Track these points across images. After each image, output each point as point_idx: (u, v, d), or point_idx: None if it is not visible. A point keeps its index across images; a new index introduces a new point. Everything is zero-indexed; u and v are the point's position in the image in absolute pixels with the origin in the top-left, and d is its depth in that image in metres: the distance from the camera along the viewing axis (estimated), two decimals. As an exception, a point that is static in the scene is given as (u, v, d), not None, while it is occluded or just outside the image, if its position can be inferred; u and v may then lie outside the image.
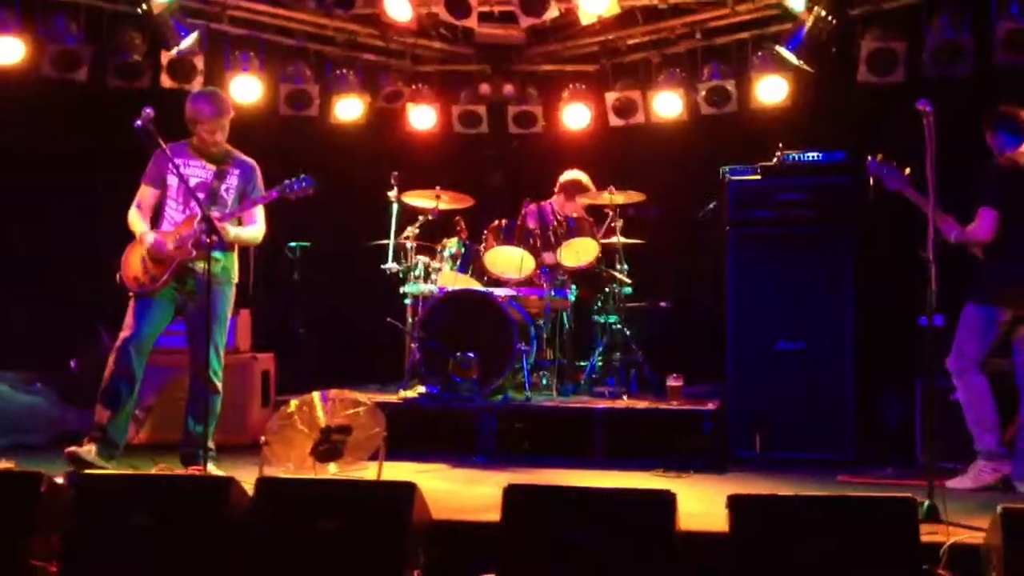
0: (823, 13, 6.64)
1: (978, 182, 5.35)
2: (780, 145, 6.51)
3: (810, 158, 6.41)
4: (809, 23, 6.71)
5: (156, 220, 5.45)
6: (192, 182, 5.32)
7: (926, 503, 4.25)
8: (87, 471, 4.81)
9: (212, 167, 5.47)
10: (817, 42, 6.81)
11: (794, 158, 6.43)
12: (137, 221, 5.39)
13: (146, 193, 5.46)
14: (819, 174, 6.35)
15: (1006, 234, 5.25)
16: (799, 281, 6.24)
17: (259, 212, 5.52)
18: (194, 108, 5.42)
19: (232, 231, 5.33)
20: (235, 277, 5.55)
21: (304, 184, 5.39)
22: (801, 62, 6.89)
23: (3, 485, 4.35)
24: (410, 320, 7.12)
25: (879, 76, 6.80)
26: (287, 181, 5.40)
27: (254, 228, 5.52)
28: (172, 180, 5.37)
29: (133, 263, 5.35)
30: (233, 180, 5.49)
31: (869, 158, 5.27)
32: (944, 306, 4.82)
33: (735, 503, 3.82)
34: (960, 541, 3.93)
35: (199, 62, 7.28)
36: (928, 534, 3.98)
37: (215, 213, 5.20)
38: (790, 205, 6.32)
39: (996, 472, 5.28)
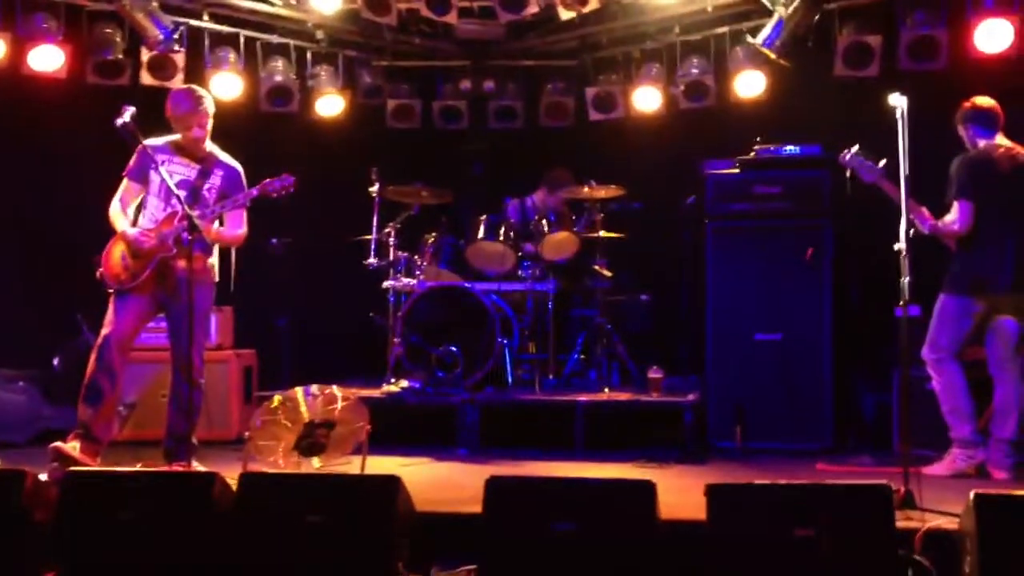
0: (799, 8, 6.69)
1: (953, 175, 5.42)
2: (758, 139, 6.57)
3: (787, 152, 6.49)
4: (785, 18, 6.76)
5: (137, 216, 5.46)
6: (174, 179, 5.31)
7: (902, 490, 4.31)
8: (72, 468, 4.81)
9: (196, 166, 5.47)
10: (794, 36, 6.87)
11: (771, 152, 6.50)
12: (119, 217, 5.39)
13: (128, 188, 5.46)
14: (796, 167, 6.43)
15: (979, 225, 5.33)
16: (777, 273, 6.32)
17: (241, 213, 5.53)
18: (171, 105, 5.44)
19: (213, 231, 5.34)
20: (216, 275, 5.56)
21: (285, 183, 5.41)
22: (778, 56, 6.94)
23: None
24: (392, 315, 7.15)
25: (855, 70, 6.86)
26: (267, 180, 5.41)
27: (236, 229, 5.52)
28: (154, 177, 5.36)
29: (113, 259, 5.35)
30: (216, 180, 5.50)
31: (845, 151, 5.34)
32: (919, 297, 4.89)
33: (713, 492, 3.88)
34: (935, 527, 3.99)
35: (179, 59, 7.28)
36: (904, 520, 4.05)
37: (196, 212, 5.21)
38: (767, 198, 6.40)
39: (971, 460, 5.36)
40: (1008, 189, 5.37)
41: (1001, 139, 5.49)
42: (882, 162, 5.24)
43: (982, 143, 5.48)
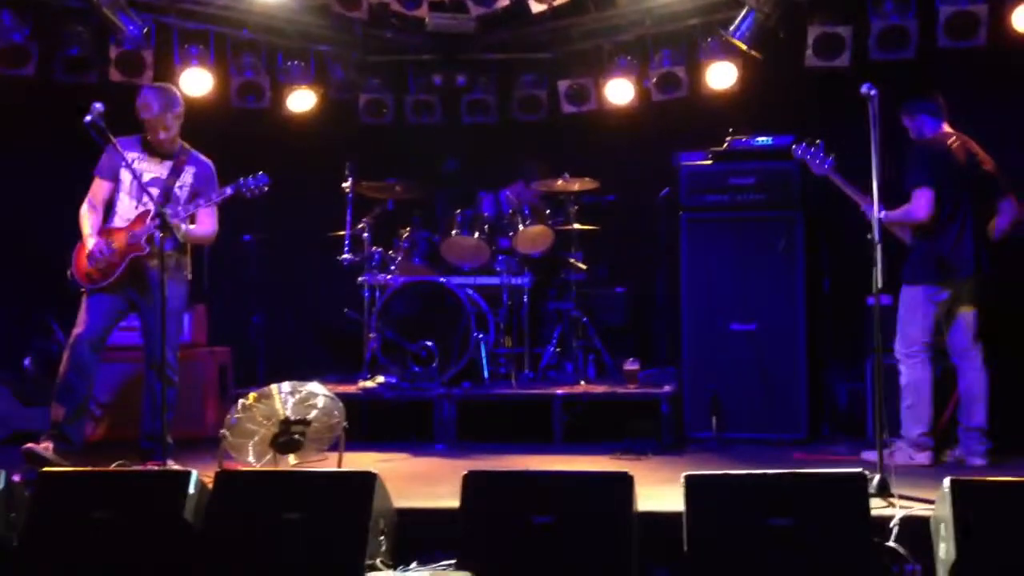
0: (770, -1, 6.73)
1: (911, 163, 5.44)
2: (730, 130, 6.59)
3: (759, 143, 6.50)
4: (756, 9, 6.78)
5: (108, 214, 5.41)
6: (146, 178, 5.30)
7: (876, 478, 4.34)
8: (45, 468, 4.77)
9: (167, 163, 5.44)
10: (764, 28, 6.89)
11: (744, 143, 6.52)
12: (87, 218, 5.36)
13: (99, 187, 5.42)
14: (768, 158, 6.44)
15: (938, 213, 5.36)
16: (751, 264, 6.33)
17: (212, 211, 5.50)
18: (141, 103, 5.40)
19: (184, 228, 5.30)
20: (188, 273, 5.53)
21: (259, 182, 5.38)
22: (749, 48, 6.97)
23: (-40, 485, 4.33)
24: (367, 310, 7.13)
25: (825, 61, 6.87)
26: (242, 180, 5.38)
27: (207, 227, 5.49)
28: (125, 175, 5.33)
29: (84, 259, 5.31)
30: (188, 178, 5.46)
31: (796, 143, 5.38)
32: (890, 286, 4.92)
33: (690, 483, 3.89)
34: (910, 514, 4.02)
35: (148, 56, 7.21)
36: (879, 508, 4.08)
37: (168, 210, 5.17)
38: (740, 189, 6.41)
39: (911, 460, 5.34)
40: (963, 177, 5.42)
41: (947, 128, 5.54)
42: (830, 156, 5.29)
43: (930, 133, 5.53)
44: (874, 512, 3.90)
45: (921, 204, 5.35)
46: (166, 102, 5.39)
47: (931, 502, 4.02)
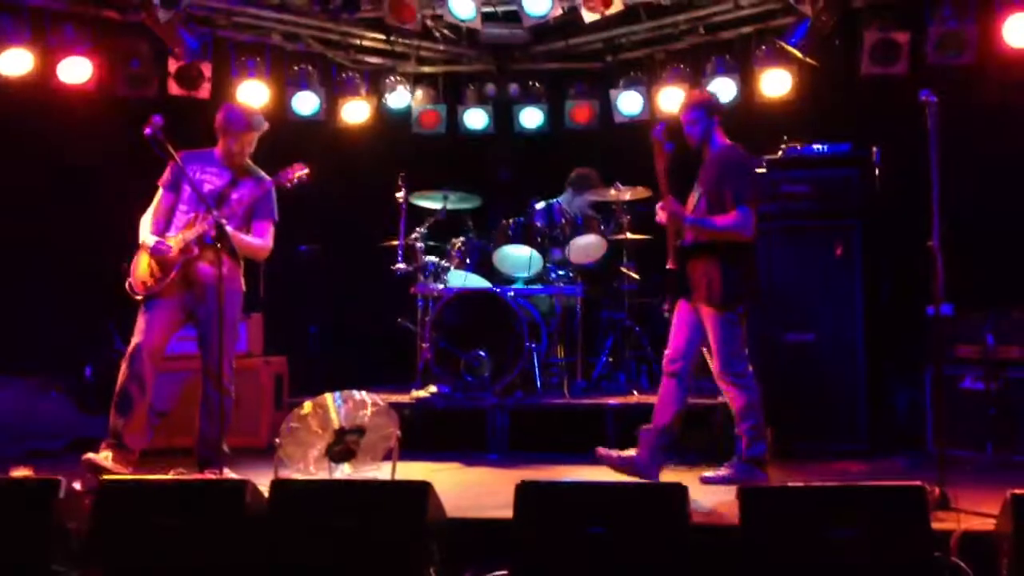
0: (825, 6, 6.65)
1: (735, 173, 5.28)
2: (785, 138, 6.52)
3: (815, 150, 6.42)
4: (811, 16, 6.72)
5: (168, 225, 5.48)
6: (205, 188, 5.37)
7: (937, 491, 4.26)
8: (105, 477, 4.84)
9: (227, 175, 5.50)
10: (820, 35, 6.83)
11: (799, 151, 6.44)
12: (144, 226, 5.44)
13: (161, 198, 5.51)
14: (824, 166, 6.35)
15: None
16: (807, 273, 6.24)
17: (269, 226, 5.55)
18: (227, 118, 5.47)
19: (232, 231, 5.29)
20: (242, 283, 5.58)
21: (298, 171, 5.44)
22: (804, 55, 6.91)
23: (21, 492, 4.41)
24: (421, 320, 7.16)
25: (882, 67, 6.80)
26: (281, 171, 5.45)
27: (260, 240, 5.54)
28: (187, 186, 5.40)
29: (140, 268, 5.40)
30: (245, 191, 5.49)
31: (657, 126, 5.28)
32: (951, 295, 4.82)
33: (745, 495, 3.84)
34: (971, 528, 3.94)
35: (206, 69, 7.33)
36: (939, 521, 4.00)
37: (217, 212, 5.21)
38: (796, 198, 6.33)
39: (754, 479, 5.15)
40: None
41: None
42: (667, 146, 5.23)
43: (722, 140, 5.36)
44: (934, 526, 3.82)
45: (749, 223, 5.13)
46: (251, 123, 5.47)
47: (993, 516, 3.93)
